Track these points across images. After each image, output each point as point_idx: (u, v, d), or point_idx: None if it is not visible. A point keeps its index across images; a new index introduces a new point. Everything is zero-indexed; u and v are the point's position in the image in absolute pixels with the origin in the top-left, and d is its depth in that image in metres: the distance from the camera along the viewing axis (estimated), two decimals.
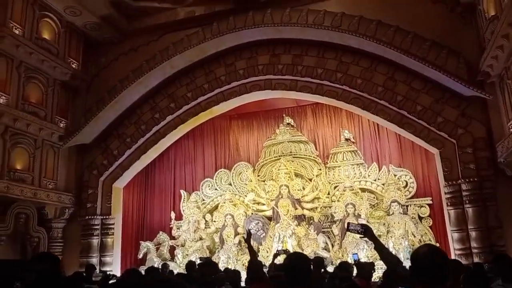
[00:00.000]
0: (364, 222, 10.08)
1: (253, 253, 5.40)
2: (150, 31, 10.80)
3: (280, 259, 8.00)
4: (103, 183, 10.70)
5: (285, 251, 6.13)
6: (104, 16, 10.51)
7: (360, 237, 3.35)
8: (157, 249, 11.48)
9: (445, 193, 8.42)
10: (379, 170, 10.93)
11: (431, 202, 10.36)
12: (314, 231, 10.41)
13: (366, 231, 4.11)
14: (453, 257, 8.17)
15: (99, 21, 10.61)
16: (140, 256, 11.32)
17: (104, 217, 10.63)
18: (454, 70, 7.97)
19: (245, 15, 9.53)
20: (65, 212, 10.46)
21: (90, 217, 10.50)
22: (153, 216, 12.57)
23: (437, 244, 10.06)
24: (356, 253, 7.25)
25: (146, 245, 11.36)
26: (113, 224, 10.73)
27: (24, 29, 9.56)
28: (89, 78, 11.27)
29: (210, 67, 10.21)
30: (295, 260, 2.75)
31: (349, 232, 4.77)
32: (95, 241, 10.50)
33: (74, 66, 10.79)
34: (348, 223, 4.14)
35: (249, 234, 5.54)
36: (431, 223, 10.28)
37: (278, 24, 9.18)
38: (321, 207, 10.89)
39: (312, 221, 10.97)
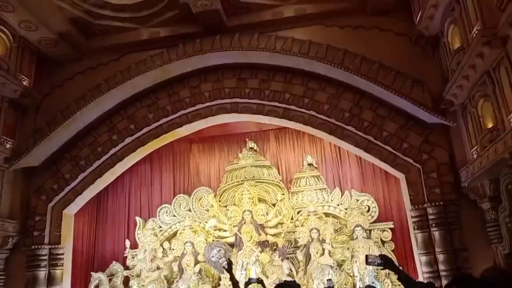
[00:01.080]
0: (329, 247, 9.99)
1: (235, 284, 4.98)
2: (110, 51, 10.24)
3: None
4: (52, 209, 9.76)
5: (258, 280, 5.72)
6: (62, 33, 9.80)
7: (381, 269, 3.10)
8: (110, 280, 10.59)
9: (412, 217, 8.49)
10: (342, 195, 10.91)
11: (393, 226, 10.45)
12: (279, 257, 10.08)
13: (386, 262, 3.84)
14: (421, 279, 8.16)
15: (56, 38, 9.87)
16: None
17: (53, 246, 9.64)
18: (419, 99, 8.16)
19: (212, 38, 9.30)
20: (8, 242, 9.35)
21: (36, 246, 9.47)
22: (105, 244, 11.65)
23: (400, 267, 10.06)
24: (330, 279, 6.95)
25: (97, 276, 10.45)
26: (63, 254, 9.76)
27: None
28: (41, 97, 10.40)
29: (174, 89, 9.80)
30: None
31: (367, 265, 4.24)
32: (42, 273, 9.46)
33: (25, 84, 9.90)
34: (366, 256, 3.82)
35: (230, 263, 5.11)
36: (393, 247, 10.33)
37: (246, 48, 9.04)
38: (285, 233, 10.61)
39: (275, 247, 10.66)
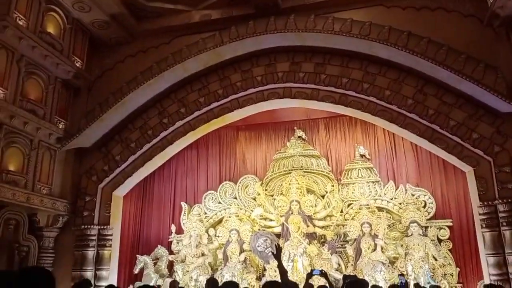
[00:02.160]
0: (381, 242, 9.41)
1: (284, 273, 4.50)
2: (161, 33, 10.01)
3: (318, 281, 7.13)
4: (102, 190, 9.68)
5: (321, 272, 5.21)
6: (114, 15, 9.68)
7: None
8: (155, 264, 10.48)
9: (480, 214, 7.73)
10: (396, 189, 10.22)
11: (451, 224, 9.69)
12: (328, 250, 9.55)
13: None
14: (487, 282, 7.43)
15: (108, 20, 9.77)
16: (136, 271, 10.29)
17: (102, 227, 9.57)
18: (492, 85, 7.36)
19: (266, 19, 8.84)
20: (58, 220, 9.37)
21: (86, 226, 9.43)
22: (150, 228, 11.56)
23: (458, 269, 9.35)
24: (402, 274, 6.27)
25: (143, 259, 10.35)
26: (111, 235, 9.68)
27: (28, 21, 8.66)
28: (93, 79, 10.35)
29: (225, 73, 9.43)
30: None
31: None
32: (91, 253, 9.42)
33: (78, 65, 9.88)
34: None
35: (278, 248, 4.63)
36: (451, 246, 9.59)
37: (302, 30, 8.51)
38: (334, 225, 10.06)
39: (323, 239, 10.14)
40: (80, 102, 10.09)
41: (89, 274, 9.16)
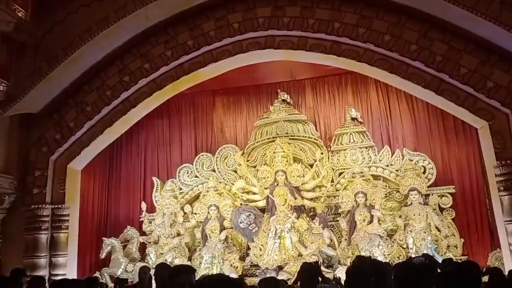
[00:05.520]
0: (378, 213, 8.25)
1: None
2: None
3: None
4: (54, 163, 8.11)
5: (426, 256, 4.03)
6: None
7: None
8: (124, 247, 9.14)
9: (496, 176, 6.56)
10: (392, 154, 9.02)
11: (454, 190, 8.59)
12: (319, 224, 8.32)
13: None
14: (507, 253, 6.34)
15: None
16: (103, 256, 8.95)
17: (56, 206, 8.03)
18: (511, 24, 6.10)
19: None
20: (4, 200, 7.74)
21: (37, 206, 7.89)
22: (118, 207, 10.11)
23: (462, 240, 8.32)
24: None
25: (110, 243, 9.02)
26: (68, 215, 8.16)
27: None
28: (40, 34, 8.57)
29: (196, 21, 7.85)
30: None
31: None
32: (44, 236, 7.92)
33: (19, 15, 8.14)
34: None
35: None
36: (454, 215, 8.51)
37: None
38: (324, 197, 8.81)
39: (312, 212, 8.92)
40: (25, 61, 8.33)
41: (43, 261, 7.71)
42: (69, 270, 8.04)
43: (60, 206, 8.07)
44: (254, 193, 9.15)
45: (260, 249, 8.59)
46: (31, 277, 4.86)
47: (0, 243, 7.90)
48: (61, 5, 8.70)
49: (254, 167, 9.46)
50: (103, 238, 9.19)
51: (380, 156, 9.06)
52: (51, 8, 8.77)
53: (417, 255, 5.31)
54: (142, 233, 9.46)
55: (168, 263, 8.51)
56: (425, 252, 7.76)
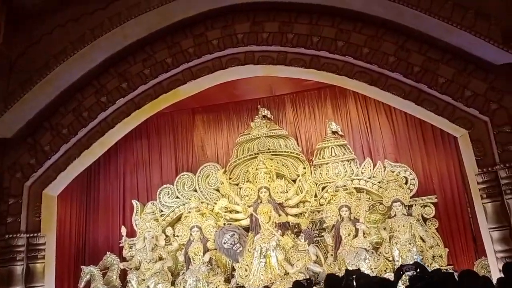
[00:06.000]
0: (363, 227, 8.20)
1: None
2: None
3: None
4: (29, 189, 7.67)
5: (416, 265, 3.92)
6: None
7: None
8: (104, 274, 8.69)
9: (479, 183, 6.57)
10: (374, 166, 9.02)
11: (436, 200, 8.62)
12: (305, 240, 8.14)
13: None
14: (494, 260, 6.32)
15: None
16: (82, 285, 8.46)
17: (31, 235, 7.54)
18: (485, 32, 6.25)
19: None
20: None
21: (11, 235, 7.42)
22: (97, 232, 9.70)
23: (446, 250, 8.30)
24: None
25: (89, 271, 8.57)
26: (44, 244, 7.68)
27: None
28: (14, 56, 8.28)
29: (174, 39, 7.74)
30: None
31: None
32: (19, 267, 7.38)
33: None
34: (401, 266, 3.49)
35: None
36: (437, 224, 8.51)
37: None
38: (308, 212, 8.67)
39: (296, 229, 8.76)
40: None
41: None
42: None
43: (36, 234, 7.62)
44: (238, 212, 8.95)
45: (246, 270, 8.33)
46: None
47: None
48: (35, 26, 8.41)
49: (237, 184, 9.28)
50: (81, 266, 8.75)
51: (362, 168, 9.04)
52: (25, 29, 8.48)
53: (407, 263, 5.21)
54: (123, 259, 9.05)
55: None
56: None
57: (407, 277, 4.16)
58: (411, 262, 7.60)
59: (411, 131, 9.11)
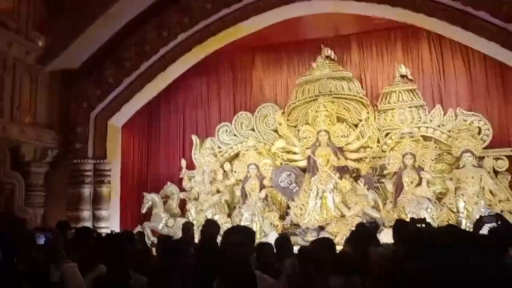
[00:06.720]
0: (428, 175, 7.69)
1: None
2: None
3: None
4: (95, 119, 7.98)
5: (498, 216, 3.69)
6: None
7: None
8: (165, 202, 9.00)
9: None
10: (444, 114, 8.30)
11: (511, 153, 7.86)
12: (364, 185, 7.86)
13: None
14: None
15: None
16: (144, 210, 8.82)
17: (98, 161, 7.97)
18: None
19: None
20: (47, 154, 7.75)
21: (79, 161, 7.84)
22: (158, 164, 9.96)
23: None
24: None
25: (151, 198, 8.86)
26: (110, 170, 8.09)
27: None
28: None
29: None
30: None
31: None
32: (87, 190, 7.91)
33: None
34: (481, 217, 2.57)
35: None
36: (509, 178, 7.81)
37: None
38: (369, 158, 8.31)
39: (355, 173, 8.46)
40: (64, 15, 8.07)
41: (86, 214, 7.74)
42: (113, 223, 8.04)
43: (102, 161, 7.99)
44: (295, 153, 8.76)
45: (301, 209, 8.26)
46: (76, 228, 4.74)
47: (43, 196, 7.96)
48: None
49: (295, 126, 8.98)
50: (144, 193, 9.09)
51: (431, 116, 8.36)
52: None
53: (488, 214, 4.85)
54: (182, 190, 9.30)
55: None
56: (477, 216, 7.23)
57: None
58: (476, 215, 7.24)
59: (490, 77, 8.18)
